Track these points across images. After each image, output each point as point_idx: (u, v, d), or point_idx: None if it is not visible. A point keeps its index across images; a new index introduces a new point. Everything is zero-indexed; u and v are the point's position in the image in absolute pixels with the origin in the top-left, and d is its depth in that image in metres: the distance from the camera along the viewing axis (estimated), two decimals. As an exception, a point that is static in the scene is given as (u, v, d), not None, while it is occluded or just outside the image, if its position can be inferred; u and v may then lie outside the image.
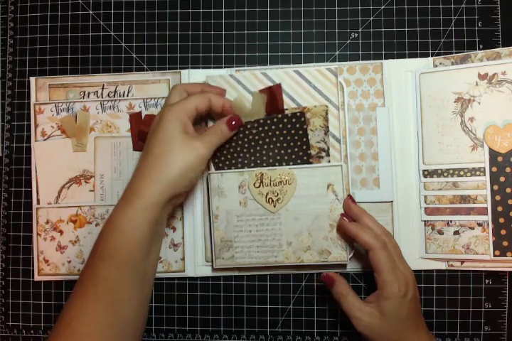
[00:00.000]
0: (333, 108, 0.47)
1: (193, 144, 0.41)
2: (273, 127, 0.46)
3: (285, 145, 0.47)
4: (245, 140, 0.46)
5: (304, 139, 0.46)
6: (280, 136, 0.47)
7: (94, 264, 0.40)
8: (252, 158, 0.47)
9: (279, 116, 0.46)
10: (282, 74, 0.47)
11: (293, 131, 0.46)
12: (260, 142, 0.46)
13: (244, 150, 0.47)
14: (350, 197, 0.46)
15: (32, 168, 0.51)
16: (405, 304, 0.41)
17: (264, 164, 0.47)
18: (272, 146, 0.47)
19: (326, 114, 0.47)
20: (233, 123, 0.44)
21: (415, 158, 0.49)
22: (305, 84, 0.47)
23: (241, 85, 0.47)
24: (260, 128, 0.46)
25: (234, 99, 0.46)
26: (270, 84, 0.47)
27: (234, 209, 0.47)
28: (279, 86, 0.47)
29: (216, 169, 0.47)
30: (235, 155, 0.47)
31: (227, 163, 0.47)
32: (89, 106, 0.51)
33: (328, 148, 0.47)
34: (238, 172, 0.47)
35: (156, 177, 0.40)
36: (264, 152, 0.47)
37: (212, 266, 0.48)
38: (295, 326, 0.50)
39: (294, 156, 0.47)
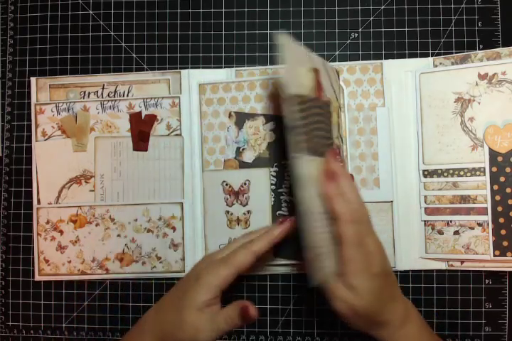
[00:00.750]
0: (335, 107, 0.46)
1: (200, 325, 0.39)
2: (322, 111, 0.41)
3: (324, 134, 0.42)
4: (309, 119, 0.39)
5: (329, 133, 0.43)
6: (322, 123, 0.41)
7: None
8: (314, 142, 0.39)
9: (324, 100, 0.42)
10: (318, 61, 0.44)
11: (325, 120, 0.43)
12: (317, 126, 0.40)
13: (314, 133, 0.40)
14: (333, 151, 0.40)
15: (32, 168, 0.51)
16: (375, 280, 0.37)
17: (318, 152, 0.39)
18: (320, 133, 0.40)
19: (339, 110, 0.46)
20: (249, 315, 0.39)
21: (415, 158, 0.49)
22: (326, 76, 0.45)
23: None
24: (317, 110, 0.41)
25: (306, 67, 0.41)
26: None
27: (312, 203, 0.37)
28: (319, 70, 0.42)
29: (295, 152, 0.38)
30: (306, 136, 0.39)
31: (302, 145, 0.38)
32: (89, 106, 0.51)
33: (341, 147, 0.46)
34: (314, 160, 0.38)
35: (148, 332, 0.41)
36: (319, 135, 0.40)
37: (310, 283, 0.38)
38: (295, 326, 0.50)
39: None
